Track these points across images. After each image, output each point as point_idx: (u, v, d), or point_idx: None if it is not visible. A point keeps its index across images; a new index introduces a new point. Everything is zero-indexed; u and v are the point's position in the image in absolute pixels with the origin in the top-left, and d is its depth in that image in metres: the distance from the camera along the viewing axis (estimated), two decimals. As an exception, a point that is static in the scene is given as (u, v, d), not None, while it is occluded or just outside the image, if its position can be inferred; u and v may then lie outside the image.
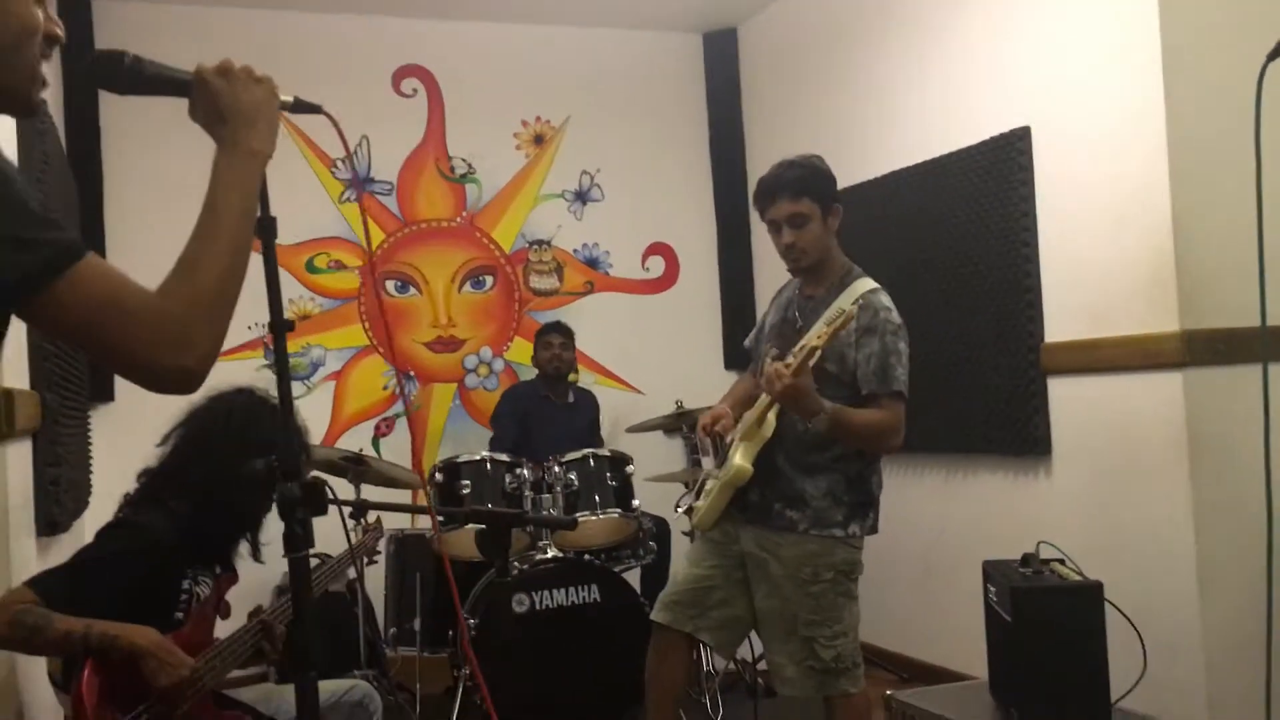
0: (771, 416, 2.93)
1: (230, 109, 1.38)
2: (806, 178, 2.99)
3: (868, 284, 2.99)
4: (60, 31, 1.32)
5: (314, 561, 2.81)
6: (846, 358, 2.89)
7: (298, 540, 1.46)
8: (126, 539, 2.31)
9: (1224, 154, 3.39)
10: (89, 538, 2.39)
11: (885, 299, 2.96)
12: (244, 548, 2.51)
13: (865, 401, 2.88)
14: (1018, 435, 3.95)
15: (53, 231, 1.18)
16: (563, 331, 5.02)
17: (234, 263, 1.30)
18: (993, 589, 3.29)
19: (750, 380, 3.30)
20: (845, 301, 2.90)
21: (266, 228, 1.48)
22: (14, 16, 1.25)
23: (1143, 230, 3.46)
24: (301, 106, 1.52)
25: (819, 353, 2.69)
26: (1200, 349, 3.33)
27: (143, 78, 1.41)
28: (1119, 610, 3.07)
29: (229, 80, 1.40)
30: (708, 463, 3.44)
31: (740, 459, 2.96)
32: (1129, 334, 3.52)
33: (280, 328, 1.50)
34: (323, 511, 1.48)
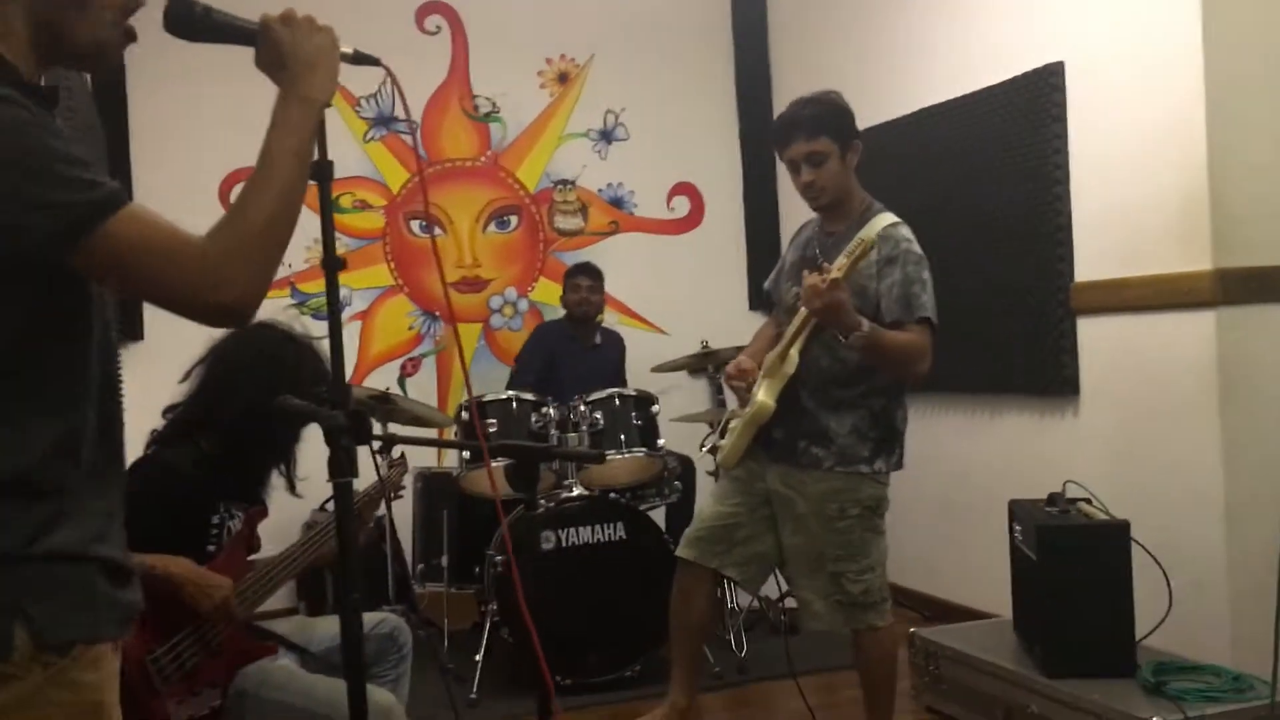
0: (794, 353, 2.92)
1: (291, 55, 1.43)
2: (823, 115, 2.95)
3: (888, 218, 2.96)
4: None
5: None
6: (868, 289, 2.87)
7: (343, 466, 1.50)
8: (156, 475, 2.34)
9: (1262, 92, 3.33)
10: (120, 475, 2.42)
11: (906, 231, 2.94)
12: (278, 481, 2.54)
13: (890, 329, 2.85)
14: (1046, 375, 3.93)
15: (83, 192, 1.22)
16: (591, 274, 5.00)
17: (284, 204, 1.35)
18: (1018, 528, 3.30)
19: (772, 328, 3.29)
20: (869, 234, 2.88)
21: (323, 170, 1.51)
22: None
23: (1177, 169, 3.40)
24: (361, 58, 1.56)
25: (841, 274, 2.68)
26: (1233, 287, 3.29)
27: (212, 25, 1.46)
28: (1145, 549, 3.07)
29: (292, 28, 1.44)
30: (732, 402, 3.44)
31: (763, 395, 2.95)
32: (1161, 273, 3.47)
33: (333, 265, 1.54)
34: (366, 441, 1.52)
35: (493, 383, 5.11)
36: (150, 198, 4.73)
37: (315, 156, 1.46)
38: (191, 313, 1.30)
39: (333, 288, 1.55)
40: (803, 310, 2.84)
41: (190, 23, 1.45)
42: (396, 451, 3.40)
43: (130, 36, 1.38)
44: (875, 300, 2.87)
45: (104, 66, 1.40)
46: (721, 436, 3.24)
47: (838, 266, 2.69)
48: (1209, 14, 3.29)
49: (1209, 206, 3.31)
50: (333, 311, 1.55)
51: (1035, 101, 3.92)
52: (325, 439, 1.51)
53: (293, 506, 2.70)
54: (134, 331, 4.61)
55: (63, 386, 1.30)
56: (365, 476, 2.16)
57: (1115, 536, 3.04)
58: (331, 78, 1.46)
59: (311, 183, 1.48)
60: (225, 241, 1.30)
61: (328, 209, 1.53)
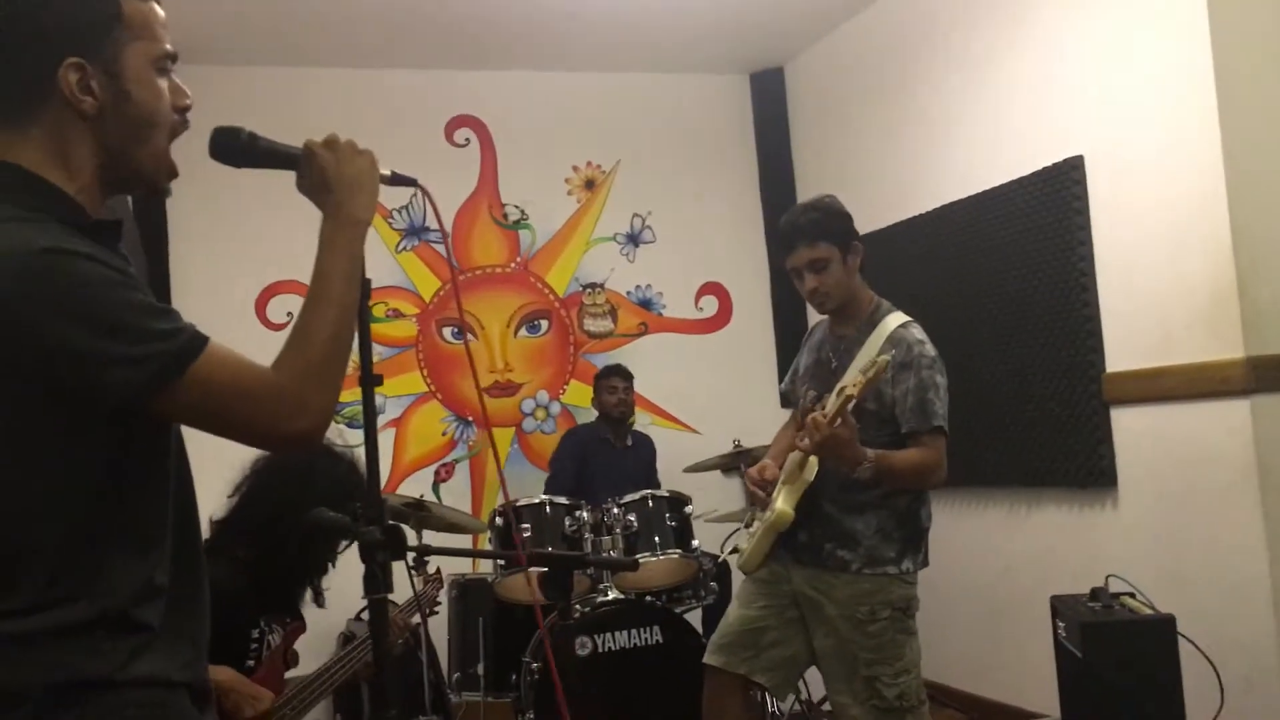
0: (813, 461, 2.91)
1: (336, 180, 1.47)
2: (820, 220, 2.98)
3: (899, 318, 2.98)
4: (189, 101, 1.42)
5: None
6: (884, 395, 2.88)
7: (378, 582, 1.51)
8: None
9: (1282, 175, 3.35)
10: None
11: (918, 332, 2.95)
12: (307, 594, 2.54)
13: (906, 439, 2.86)
14: (1082, 466, 3.90)
15: (156, 343, 1.25)
16: (624, 375, 5.04)
17: (342, 326, 1.40)
18: (1062, 624, 3.24)
19: (791, 429, 3.29)
20: (878, 338, 2.90)
21: (362, 288, 1.54)
22: (146, 92, 1.35)
23: (1202, 255, 3.41)
24: (398, 180, 1.60)
25: (854, 401, 2.69)
26: (1267, 375, 3.28)
27: (257, 152, 1.50)
28: (1193, 644, 3.00)
29: (335, 152, 1.49)
30: (740, 504, 3.42)
31: (782, 503, 2.93)
32: (1192, 361, 3.46)
33: (370, 381, 1.58)
34: (402, 556, 1.52)
35: (527, 486, 5.12)
36: (189, 313, 4.85)
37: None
38: (269, 444, 1.36)
39: (369, 403, 1.58)
40: None
41: (236, 150, 1.49)
42: (432, 567, 3.40)
43: (174, 172, 1.43)
44: (891, 405, 2.88)
45: (163, 190, 1.44)
46: (749, 531, 3.21)
47: (853, 383, 2.68)
48: (1224, 97, 3.34)
49: (1237, 294, 3.31)
50: (369, 427, 1.57)
51: (1057, 195, 3.96)
52: (360, 555, 1.52)
53: (327, 618, 2.71)
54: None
55: (146, 528, 1.32)
56: (401, 588, 2.17)
57: (1161, 631, 2.98)
58: (373, 198, 1.50)
59: None
60: (295, 371, 1.33)
61: (366, 325, 1.56)
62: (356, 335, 1.59)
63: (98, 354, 1.22)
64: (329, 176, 1.47)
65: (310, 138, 1.50)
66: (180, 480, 1.39)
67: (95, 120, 1.32)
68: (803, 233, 2.98)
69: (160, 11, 1.38)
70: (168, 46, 1.38)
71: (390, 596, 2.63)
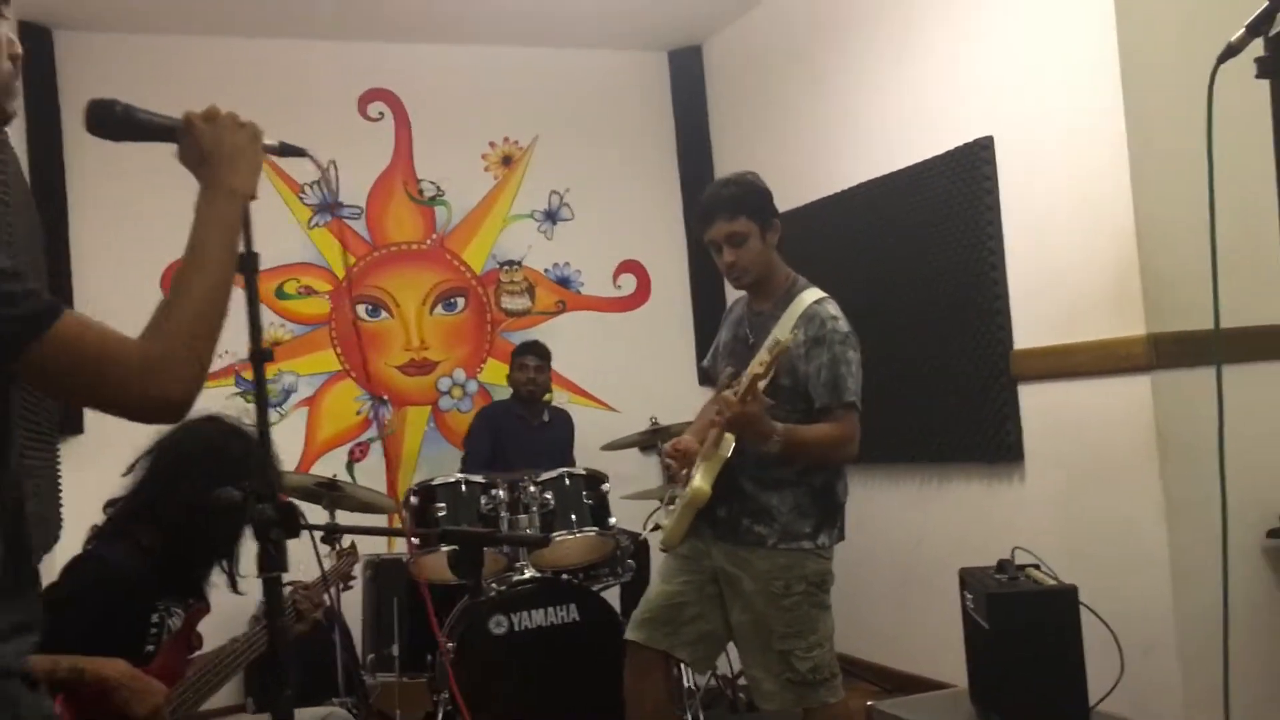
0: (729, 438, 2.93)
1: (213, 152, 1.45)
2: (740, 195, 2.99)
3: (814, 294, 3.00)
4: (19, 50, 1.37)
5: (290, 588, 2.79)
6: (798, 370, 2.90)
7: (272, 561, 1.48)
8: (94, 574, 2.28)
9: (1183, 158, 3.41)
10: (58, 572, 2.37)
11: (832, 308, 2.97)
12: (219, 578, 2.48)
13: (819, 414, 2.89)
14: (990, 442, 3.98)
15: (18, 305, 1.22)
16: (539, 353, 5.01)
17: (216, 299, 1.36)
18: (969, 596, 3.31)
19: (715, 406, 3.32)
20: (793, 314, 2.93)
21: (248, 262, 1.51)
22: None
23: (1107, 235, 3.50)
24: (287, 150, 1.59)
25: (763, 381, 2.71)
26: (1167, 351, 3.37)
27: (133, 124, 1.48)
28: (1094, 613, 3.09)
29: (214, 125, 1.47)
30: (657, 481, 3.44)
31: (700, 480, 2.94)
32: (1097, 339, 3.55)
33: (259, 357, 1.53)
34: (296, 534, 1.49)
35: (443, 465, 5.07)
36: (90, 288, 4.73)
37: (242, 248, 1.47)
38: (130, 413, 1.30)
39: (260, 379, 1.55)
40: None
41: (111, 122, 1.46)
42: (347, 541, 3.35)
43: (7, 117, 1.39)
44: (805, 381, 2.91)
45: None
46: (666, 516, 3.23)
47: (759, 362, 2.71)
48: (1128, 83, 3.41)
49: (1139, 273, 3.40)
50: (260, 403, 1.55)
51: (967, 174, 4.03)
52: (254, 534, 1.49)
53: (240, 599, 2.65)
54: (74, 426, 4.53)
55: None
56: (314, 567, 2.13)
57: (1064, 602, 3.05)
58: (254, 171, 1.48)
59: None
60: (161, 340, 1.30)
61: (255, 302, 1.52)
62: (246, 312, 1.55)
63: None
64: (207, 148, 1.45)
65: (190, 109, 1.48)
66: (4, 453, 1.33)
67: None
68: (722, 206, 2.98)
69: None
70: None
71: (301, 576, 2.59)
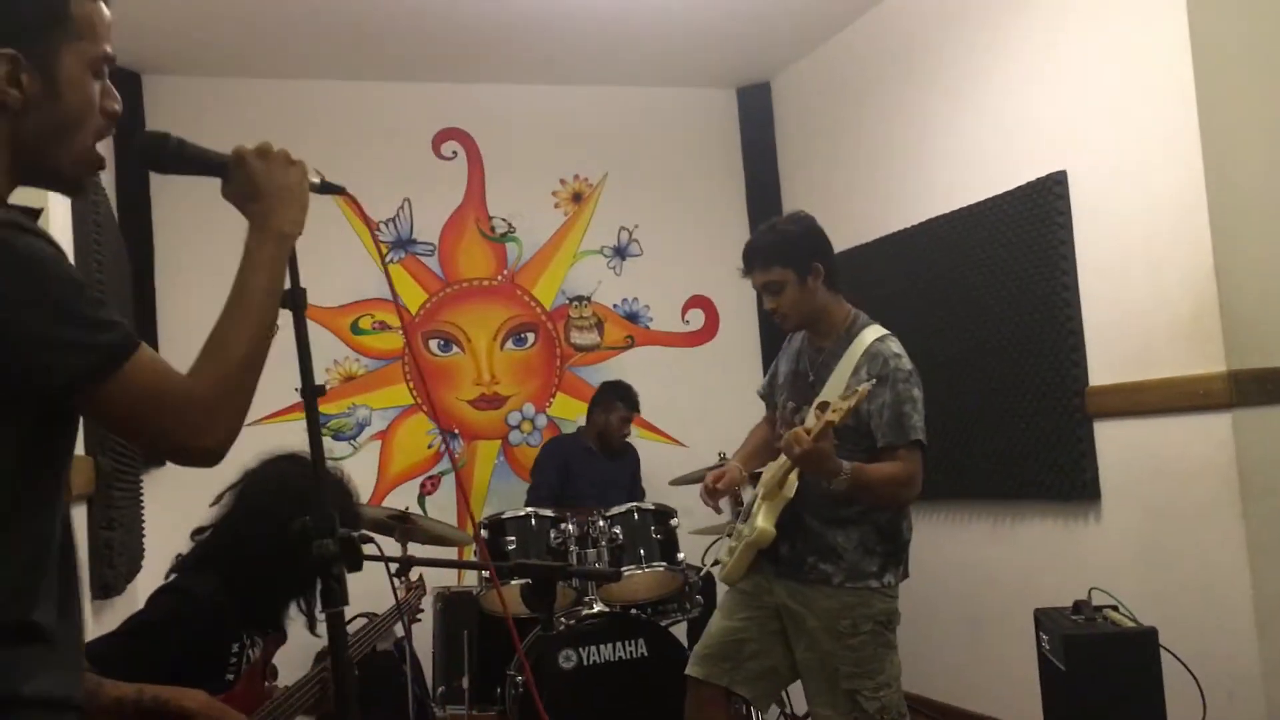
0: (793, 477, 2.92)
1: (265, 189, 1.44)
2: (775, 244, 3.01)
3: (876, 331, 2.99)
4: (118, 107, 1.37)
5: (360, 621, 2.83)
6: (861, 409, 2.88)
7: (334, 595, 1.48)
8: (178, 603, 2.33)
9: (1261, 191, 3.38)
10: (142, 601, 2.42)
11: (895, 345, 2.96)
12: (298, 615, 2.51)
13: (881, 453, 2.87)
14: (1066, 480, 3.91)
15: (102, 334, 1.22)
16: (630, 403, 5.01)
17: (260, 343, 1.36)
18: (1045, 637, 3.24)
19: (764, 430, 3.32)
20: (855, 351, 2.93)
21: (296, 299, 1.52)
22: (76, 94, 1.30)
23: (1184, 270, 3.44)
24: (326, 188, 1.57)
25: (834, 425, 2.70)
26: (1248, 389, 3.29)
27: (184, 158, 1.48)
28: (1175, 656, 3.01)
29: (266, 162, 1.46)
30: (725, 516, 3.42)
31: (763, 521, 2.94)
32: (1174, 375, 3.48)
33: (311, 393, 1.54)
34: (358, 567, 1.49)
35: (512, 498, 5.12)
36: (174, 329, 4.85)
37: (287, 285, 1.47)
38: (176, 455, 1.30)
39: (312, 414, 1.55)
40: None
41: (163, 156, 1.47)
42: (415, 574, 3.39)
43: (100, 164, 1.38)
44: (867, 420, 2.88)
45: (77, 191, 1.39)
46: (727, 552, 3.22)
47: (835, 409, 2.70)
48: (1205, 117, 3.36)
49: (1218, 307, 3.33)
50: (314, 437, 1.55)
51: (1040, 210, 3.98)
52: (316, 568, 1.49)
53: (308, 635, 2.68)
54: (157, 458, 4.64)
55: (38, 532, 1.25)
56: (386, 599, 2.16)
57: (1144, 644, 2.98)
58: (302, 210, 1.47)
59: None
60: (210, 388, 1.30)
61: (304, 338, 1.54)
62: (295, 346, 1.56)
63: (40, 336, 1.18)
64: (259, 184, 1.44)
65: (241, 144, 1.47)
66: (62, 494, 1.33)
67: (18, 115, 1.27)
68: (756, 256, 3.03)
69: (107, 13, 1.35)
70: (107, 49, 1.34)
71: (371, 609, 2.62)
